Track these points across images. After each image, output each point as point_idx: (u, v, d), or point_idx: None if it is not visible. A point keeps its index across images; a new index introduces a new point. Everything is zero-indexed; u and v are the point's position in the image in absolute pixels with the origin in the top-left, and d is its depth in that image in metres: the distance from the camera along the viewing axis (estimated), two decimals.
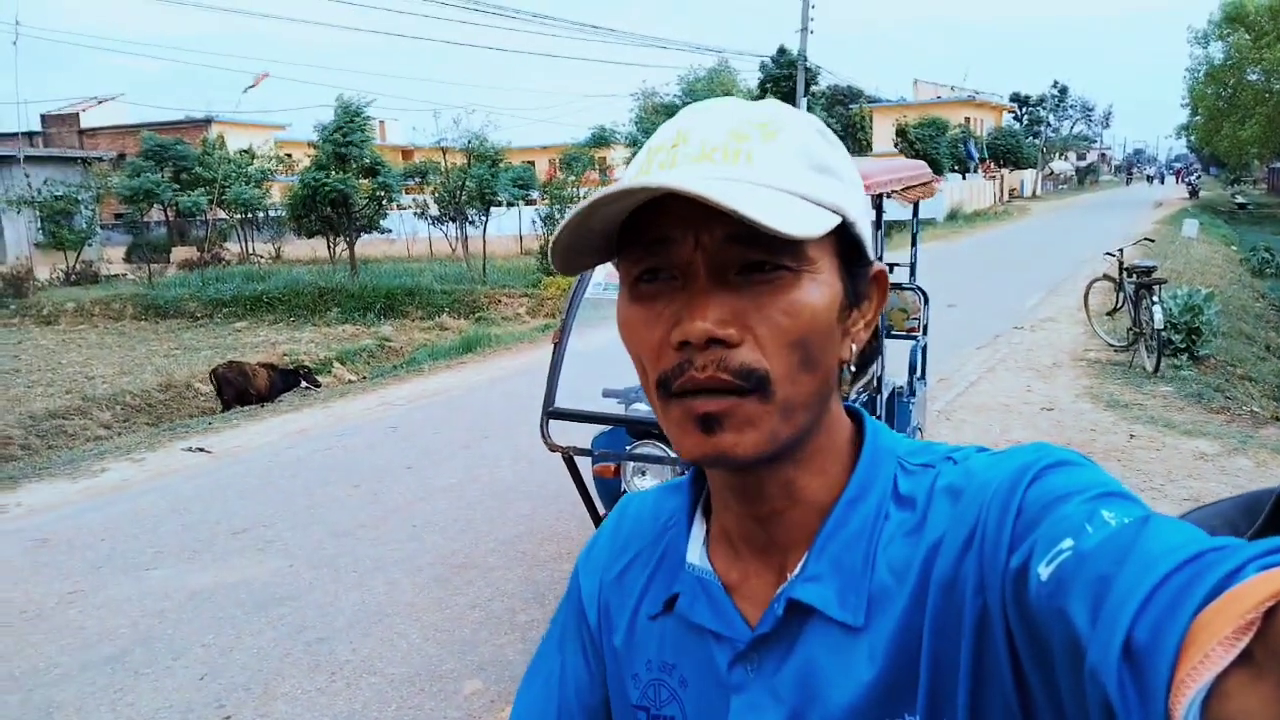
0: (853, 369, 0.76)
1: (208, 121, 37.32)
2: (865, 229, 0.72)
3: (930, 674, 0.66)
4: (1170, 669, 0.44)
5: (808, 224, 0.64)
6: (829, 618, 0.70)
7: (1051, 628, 0.54)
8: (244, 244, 28.29)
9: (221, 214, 27.68)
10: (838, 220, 0.68)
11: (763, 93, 37.09)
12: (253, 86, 37.15)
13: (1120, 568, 0.51)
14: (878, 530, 0.71)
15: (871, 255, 0.75)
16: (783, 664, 0.72)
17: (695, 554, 0.79)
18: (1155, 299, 9.09)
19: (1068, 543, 0.55)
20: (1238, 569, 0.46)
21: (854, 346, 0.73)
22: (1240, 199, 44.82)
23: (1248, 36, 35.67)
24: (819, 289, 0.68)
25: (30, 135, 31.94)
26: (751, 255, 0.66)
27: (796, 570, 0.73)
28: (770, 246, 0.65)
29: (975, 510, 0.66)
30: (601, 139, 27.75)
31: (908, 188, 4.92)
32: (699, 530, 0.81)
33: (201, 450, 8.04)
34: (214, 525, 6.10)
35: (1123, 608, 0.48)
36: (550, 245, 0.69)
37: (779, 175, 0.66)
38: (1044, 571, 0.56)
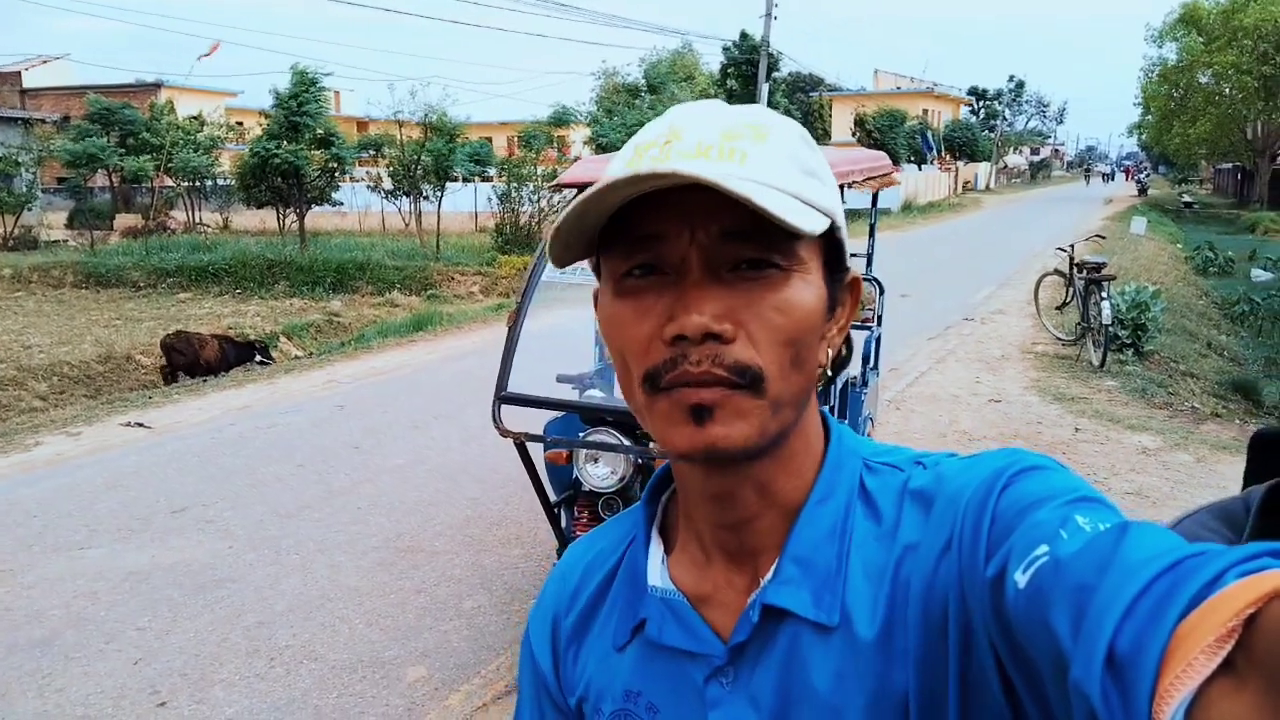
0: (829, 373, 0.74)
1: (157, 86, 36.41)
2: (846, 234, 0.73)
3: (917, 680, 0.65)
4: (1153, 679, 0.44)
5: (809, 221, 0.65)
6: (804, 619, 0.70)
7: (1034, 639, 0.54)
8: (191, 213, 27.63)
9: (168, 181, 26.99)
10: (828, 222, 0.68)
11: (724, 77, 37.06)
12: (207, 55, 36.23)
13: (1101, 577, 0.50)
14: (849, 530, 0.71)
15: (848, 261, 0.75)
16: (760, 671, 0.71)
17: (656, 575, 0.78)
18: (1104, 295, 9.24)
19: (1043, 549, 0.55)
20: (1218, 576, 0.46)
21: (829, 351, 0.73)
22: (1187, 198, 45.80)
23: (1200, 39, 36.37)
24: (809, 288, 0.68)
25: None
26: (746, 252, 0.66)
27: (769, 575, 0.72)
28: (765, 244, 0.66)
29: (950, 518, 0.66)
30: (562, 118, 27.52)
31: (868, 178, 4.90)
32: (656, 551, 0.80)
33: (140, 425, 7.83)
34: (152, 503, 5.94)
35: (1104, 617, 0.48)
36: (550, 236, 0.68)
37: (773, 175, 0.66)
38: (1021, 579, 0.55)
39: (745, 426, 0.66)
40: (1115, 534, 0.53)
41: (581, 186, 4.29)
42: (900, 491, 0.71)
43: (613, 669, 0.79)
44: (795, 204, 0.65)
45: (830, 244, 0.71)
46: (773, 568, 0.72)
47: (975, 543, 0.62)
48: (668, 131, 0.68)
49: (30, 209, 24.56)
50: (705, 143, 0.66)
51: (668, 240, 0.66)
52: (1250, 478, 1.27)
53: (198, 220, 27.57)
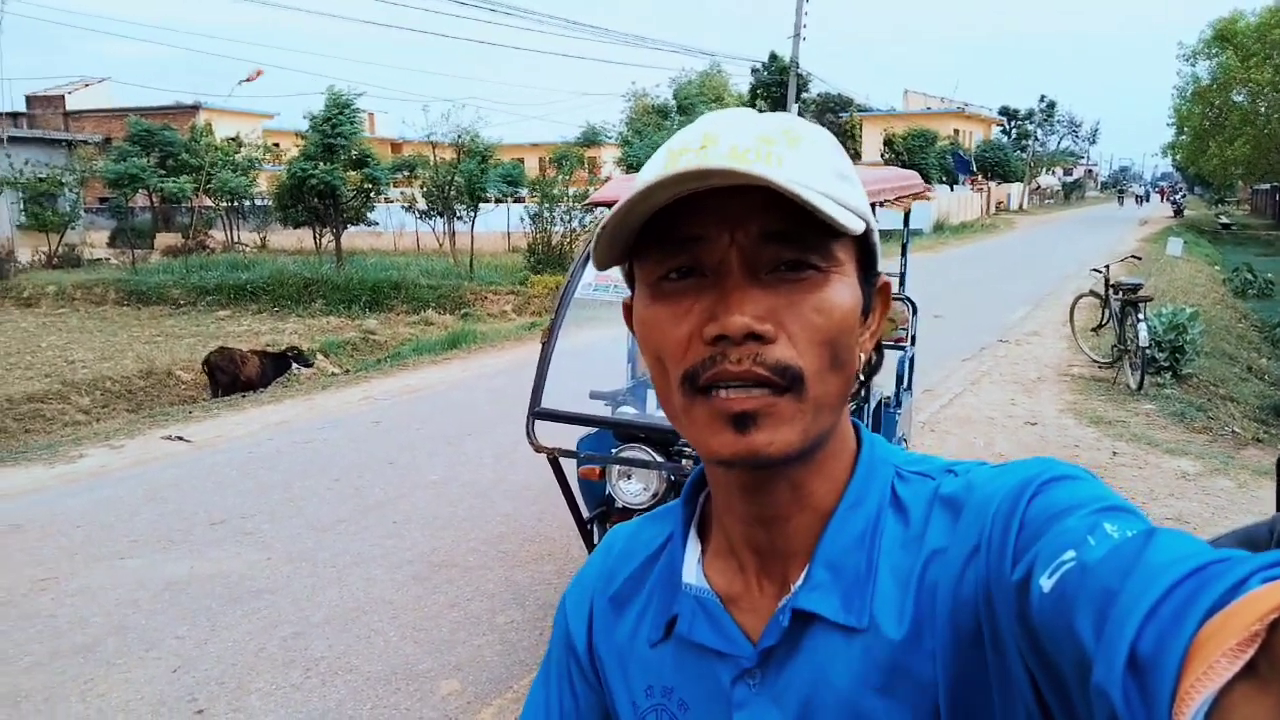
0: (860, 377, 0.75)
1: (196, 108, 37.00)
2: (877, 238, 0.74)
3: (948, 683, 0.66)
4: (1174, 681, 0.44)
5: (850, 221, 0.66)
6: (833, 623, 0.70)
7: (1059, 643, 0.54)
8: (229, 232, 28.06)
9: (207, 201, 27.44)
10: (864, 223, 0.69)
11: (754, 98, 37.16)
12: (248, 80, 36.75)
13: (1125, 580, 0.50)
14: (879, 536, 0.72)
15: (881, 266, 0.76)
16: (787, 674, 0.72)
17: (691, 573, 0.79)
18: (1141, 316, 9.13)
19: (1070, 554, 0.55)
20: (1242, 580, 0.46)
21: (861, 356, 0.73)
22: (1224, 219, 45.26)
23: (1235, 57, 35.92)
24: (847, 290, 0.69)
25: (14, 116, 31.55)
26: (785, 253, 0.67)
27: (800, 580, 0.73)
28: (804, 245, 0.67)
29: (978, 524, 0.66)
30: (592, 138, 27.72)
31: (900, 197, 4.91)
32: (693, 550, 0.81)
33: (181, 439, 7.96)
34: (191, 515, 6.04)
35: (1127, 620, 0.48)
36: (595, 237, 0.70)
37: (810, 177, 0.66)
38: (1046, 584, 0.55)
39: (789, 432, 0.67)
40: (1141, 539, 0.53)
41: (615, 204, 4.33)
42: (930, 498, 0.72)
43: (647, 661, 0.80)
44: (834, 205, 0.66)
45: (864, 248, 0.72)
46: (803, 573, 0.73)
47: (1003, 548, 0.62)
48: (702, 137, 0.69)
49: (74, 228, 25.09)
50: (742, 147, 0.67)
51: (707, 242, 0.67)
52: None
53: (236, 239, 28.00)
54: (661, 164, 0.70)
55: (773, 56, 37.37)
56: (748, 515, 0.75)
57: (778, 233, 0.66)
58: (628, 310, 0.78)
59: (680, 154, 0.69)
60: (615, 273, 4.23)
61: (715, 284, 0.67)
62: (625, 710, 0.82)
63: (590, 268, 4.16)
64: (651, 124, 31.88)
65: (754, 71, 39.73)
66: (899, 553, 0.71)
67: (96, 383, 11.70)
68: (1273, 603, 0.43)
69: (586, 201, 4.53)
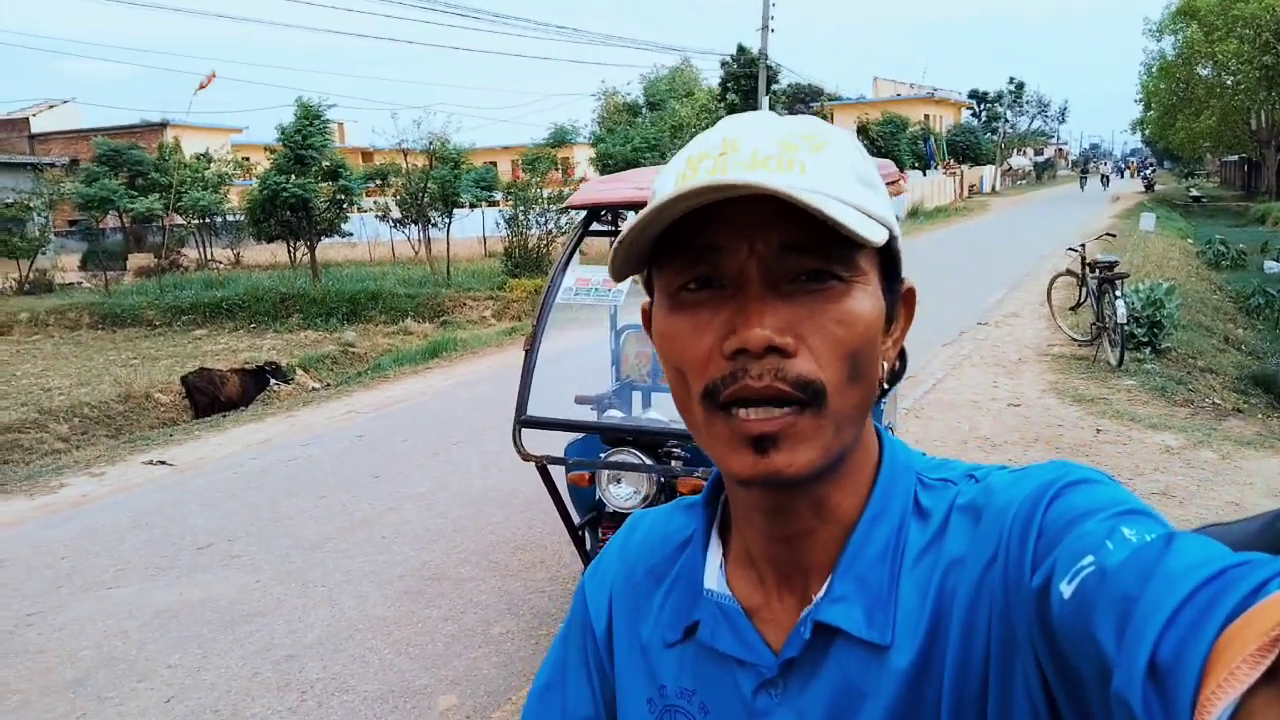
0: (885, 385, 0.74)
1: (163, 125, 36.69)
2: (900, 245, 0.72)
3: (955, 697, 0.65)
4: (1195, 687, 0.44)
5: (874, 232, 0.64)
6: (856, 638, 0.69)
7: (1079, 649, 0.54)
8: (202, 250, 27.83)
9: (179, 219, 27.18)
10: (888, 233, 0.67)
11: (724, 91, 37.16)
12: (203, 87, 36.36)
13: (1145, 586, 0.50)
14: (901, 547, 0.71)
15: (903, 271, 0.74)
16: (809, 687, 0.71)
17: (713, 579, 0.78)
18: (1118, 293, 9.19)
19: (1089, 559, 0.55)
20: (1261, 585, 0.46)
21: (884, 365, 0.72)
22: (1195, 192, 45.67)
23: (1200, 31, 36.25)
24: (869, 300, 0.67)
25: None
26: (807, 264, 0.65)
27: (822, 592, 0.72)
28: (825, 256, 0.65)
29: (997, 531, 0.65)
30: (562, 138, 27.66)
31: None
32: (715, 554, 0.80)
33: (163, 463, 7.87)
34: (177, 540, 5.97)
35: (1147, 626, 0.48)
36: (614, 250, 0.67)
37: (832, 185, 0.65)
38: (1066, 590, 0.55)
39: (809, 451, 0.65)
40: (1161, 544, 0.53)
41: (590, 207, 4.31)
42: (950, 505, 0.71)
43: (665, 659, 0.79)
44: (857, 215, 0.64)
45: (886, 255, 0.70)
46: (825, 585, 0.72)
47: (1021, 554, 0.62)
48: (721, 143, 0.67)
49: (44, 253, 24.76)
50: (763, 153, 0.65)
51: (726, 253, 0.65)
52: None
53: (209, 257, 27.76)
54: (679, 172, 0.68)
55: (741, 49, 37.35)
56: (768, 531, 0.74)
57: (798, 243, 0.64)
58: (646, 316, 0.76)
59: (700, 160, 0.67)
60: (596, 275, 4.20)
61: (734, 295, 0.66)
62: (635, 704, 0.81)
63: (571, 272, 4.14)
64: (623, 121, 31.78)
65: (723, 65, 39.71)
66: (920, 563, 0.70)
67: (74, 409, 11.54)
68: None
69: (564, 205, 4.50)
